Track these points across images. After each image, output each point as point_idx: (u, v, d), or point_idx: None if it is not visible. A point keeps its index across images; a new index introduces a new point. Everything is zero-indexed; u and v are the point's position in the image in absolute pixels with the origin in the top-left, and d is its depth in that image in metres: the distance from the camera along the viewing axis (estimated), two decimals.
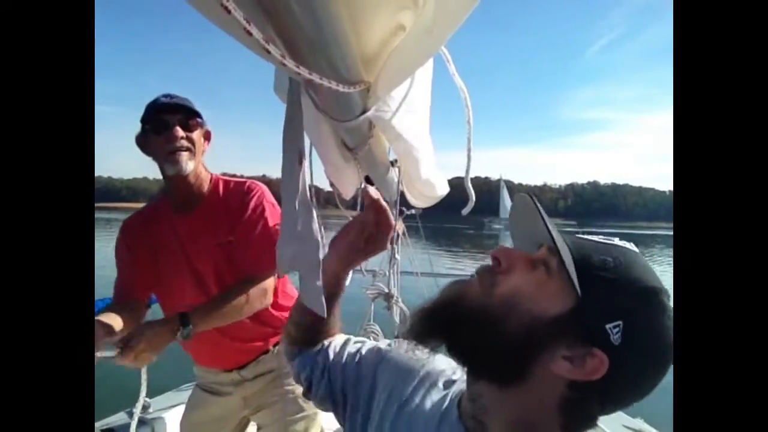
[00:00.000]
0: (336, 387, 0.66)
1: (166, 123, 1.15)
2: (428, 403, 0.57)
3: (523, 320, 0.43)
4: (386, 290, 2.32)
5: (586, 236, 0.48)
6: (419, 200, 1.10)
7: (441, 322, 0.48)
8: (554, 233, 0.44)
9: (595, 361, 0.40)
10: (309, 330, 0.70)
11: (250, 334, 1.28)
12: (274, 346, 1.32)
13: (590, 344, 0.41)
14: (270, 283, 1.20)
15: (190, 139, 1.17)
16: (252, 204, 1.23)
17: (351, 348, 0.70)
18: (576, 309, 0.42)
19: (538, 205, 0.47)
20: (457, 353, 0.49)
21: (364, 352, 0.68)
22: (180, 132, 1.15)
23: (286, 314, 1.31)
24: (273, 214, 1.23)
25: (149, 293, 1.29)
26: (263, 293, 1.18)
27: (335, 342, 0.71)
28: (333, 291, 0.67)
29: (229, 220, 1.22)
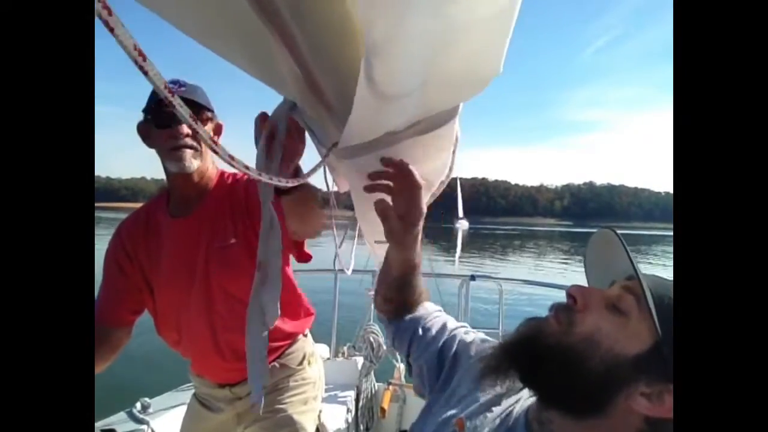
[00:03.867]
0: (436, 355, 0.71)
1: (170, 117, 1.04)
2: (494, 413, 0.58)
3: (605, 359, 0.45)
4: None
5: (658, 276, 0.50)
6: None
7: (519, 358, 0.50)
8: (641, 277, 0.46)
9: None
10: (399, 304, 0.79)
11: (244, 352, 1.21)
12: (274, 359, 1.23)
13: (669, 381, 0.42)
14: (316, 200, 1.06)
15: (194, 137, 1.07)
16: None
17: (452, 330, 0.75)
18: (656, 347, 0.44)
19: (625, 245, 0.49)
20: (533, 386, 0.51)
21: (457, 338, 0.73)
22: (185, 129, 1.06)
23: (293, 321, 1.25)
24: None
25: (136, 317, 1.19)
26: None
27: (433, 318, 0.77)
28: (407, 271, 0.75)
29: (232, 219, 1.13)
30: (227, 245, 1.12)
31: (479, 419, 0.57)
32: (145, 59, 0.27)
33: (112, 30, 0.25)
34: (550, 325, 0.50)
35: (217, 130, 1.17)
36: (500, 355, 0.52)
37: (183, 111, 0.29)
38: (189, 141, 1.07)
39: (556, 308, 0.51)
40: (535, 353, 0.49)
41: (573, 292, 0.50)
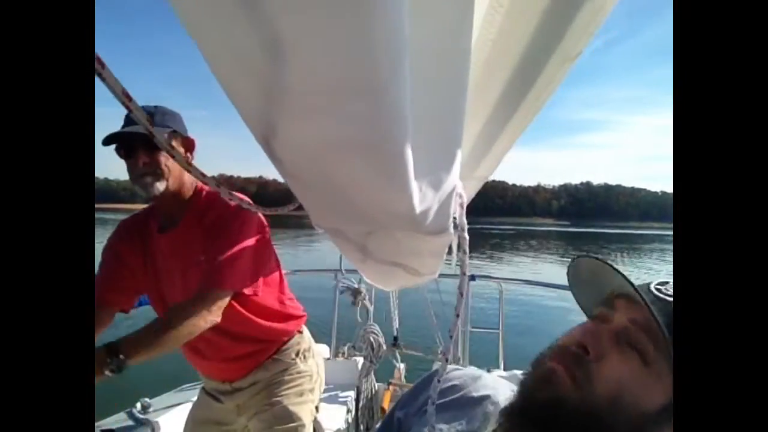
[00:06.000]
0: None
1: (128, 148, 1.11)
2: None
3: (631, 416, 0.41)
4: (355, 285, 2.32)
5: (663, 294, 0.45)
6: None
7: (531, 426, 0.45)
8: (656, 313, 0.42)
9: None
10: None
11: (241, 353, 1.26)
12: (267, 358, 1.30)
13: None
14: (222, 299, 1.09)
15: (154, 163, 1.11)
16: (232, 227, 1.15)
17: None
18: None
19: (624, 275, 0.45)
20: None
21: None
22: (141, 159, 1.10)
23: (278, 326, 1.29)
24: (249, 233, 1.15)
25: (118, 305, 1.22)
26: (209, 311, 1.05)
27: None
28: None
29: (203, 238, 1.17)
30: (199, 261, 1.16)
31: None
32: (130, 100, 0.30)
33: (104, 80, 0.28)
34: (564, 384, 0.43)
35: (187, 145, 1.19)
36: (515, 423, 0.46)
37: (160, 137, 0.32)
38: (147, 169, 1.11)
39: (567, 362, 0.44)
40: (556, 421, 0.43)
41: (582, 339, 0.45)
